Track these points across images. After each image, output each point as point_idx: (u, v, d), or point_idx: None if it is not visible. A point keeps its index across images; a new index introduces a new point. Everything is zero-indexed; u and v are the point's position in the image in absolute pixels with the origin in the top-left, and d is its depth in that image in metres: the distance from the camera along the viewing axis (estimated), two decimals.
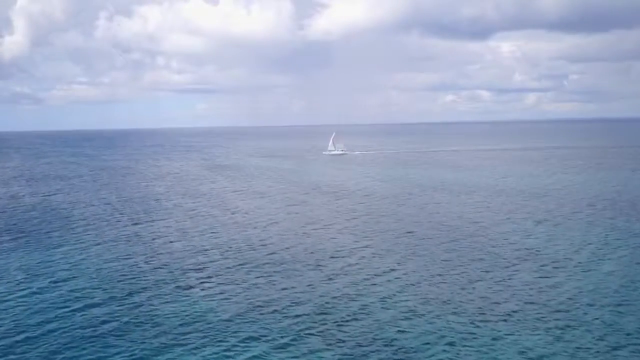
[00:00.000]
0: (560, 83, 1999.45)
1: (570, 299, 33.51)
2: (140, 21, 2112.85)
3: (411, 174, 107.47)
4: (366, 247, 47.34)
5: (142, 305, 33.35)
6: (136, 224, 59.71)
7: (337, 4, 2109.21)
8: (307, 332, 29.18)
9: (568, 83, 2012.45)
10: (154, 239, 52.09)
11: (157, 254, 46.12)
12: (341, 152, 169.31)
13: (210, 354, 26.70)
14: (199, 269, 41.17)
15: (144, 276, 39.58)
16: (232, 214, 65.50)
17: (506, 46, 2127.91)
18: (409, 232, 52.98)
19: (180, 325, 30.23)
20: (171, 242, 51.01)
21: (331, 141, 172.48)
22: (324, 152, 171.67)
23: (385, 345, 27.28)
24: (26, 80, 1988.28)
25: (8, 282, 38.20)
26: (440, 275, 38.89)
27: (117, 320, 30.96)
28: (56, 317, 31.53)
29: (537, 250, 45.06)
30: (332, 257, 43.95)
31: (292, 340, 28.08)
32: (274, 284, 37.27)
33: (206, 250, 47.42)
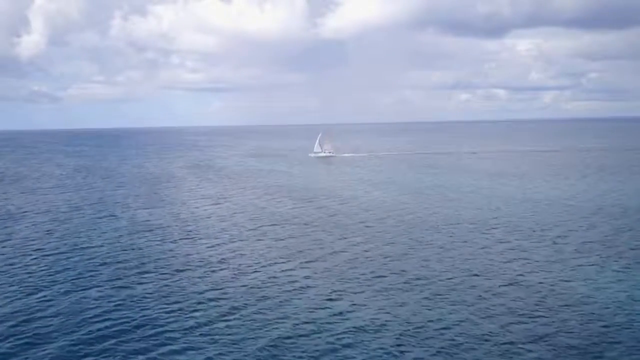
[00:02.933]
0: (578, 81, 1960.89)
1: None
2: (154, 20, 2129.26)
3: (407, 182, 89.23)
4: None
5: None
6: (64, 243, 49.22)
7: (350, 1, 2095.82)
8: None
9: (586, 81, 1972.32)
10: (77, 256, 42.42)
11: (76, 277, 35.86)
12: (328, 154, 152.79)
13: None
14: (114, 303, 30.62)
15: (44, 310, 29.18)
16: (184, 227, 54.87)
17: (523, 44, 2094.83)
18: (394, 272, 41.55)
19: None
20: (97, 259, 41.41)
21: (317, 142, 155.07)
22: (309, 154, 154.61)
23: None
24: (44, 79, 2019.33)
25: None
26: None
27: None
28: None
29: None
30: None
31: None
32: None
33: (134, 275, 37.05)
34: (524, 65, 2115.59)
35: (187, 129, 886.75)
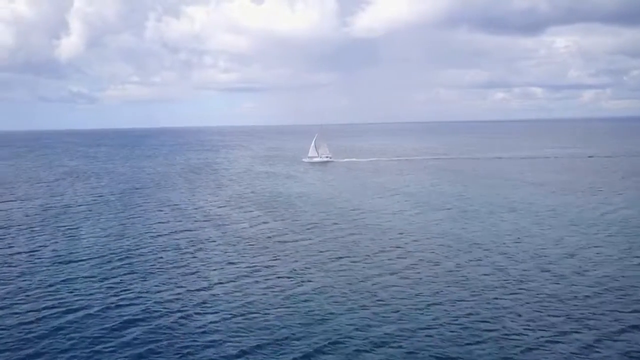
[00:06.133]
0: (620, 79, 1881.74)
1: None
2: (187, 21, 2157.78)
3: (411, 201, 68.34)
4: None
5: None
6: None
7: (381, 0, 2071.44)
8: None
9: (628, 79, 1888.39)
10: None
11: None
12: (325, 159, 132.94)
13: None
14: None
15: None
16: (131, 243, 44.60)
17: (560, 41, 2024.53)
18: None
19: None
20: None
21: (312, 145, 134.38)
22: (303, 159, 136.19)
23: None
24: (82, 80, 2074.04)
25: None
26: None
27: None
28: None
29: None
30: None
31: None
32: None
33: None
34: (562, 62, 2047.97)
35: (217, 128, 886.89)
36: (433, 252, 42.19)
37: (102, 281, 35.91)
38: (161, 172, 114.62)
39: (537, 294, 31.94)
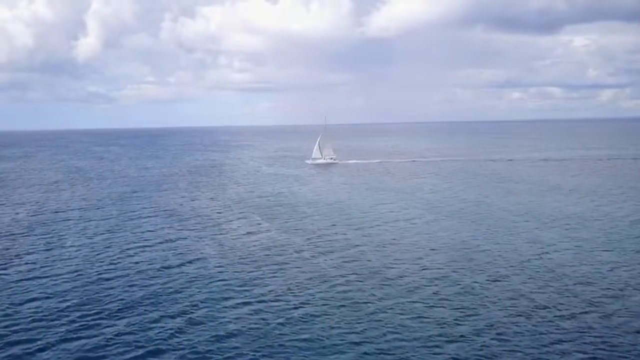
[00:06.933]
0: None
1: None
2: (202, 22, 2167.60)
3: (421, 209, 64.56)
4: None
5: None
6: None
7: None
8: None
9: None
10: None
11: None
12: (330, 161, 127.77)
13: None
14: None
15: None
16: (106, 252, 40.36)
17: (579, 40, 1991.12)
18: None
19: None
20: None
21: (316, 146, 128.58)
22: (306, 161, 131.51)
23: None
24: (99, 80, 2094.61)
25: None
26: None
27: None
28: None
29: None
30: None
31: None
32: None
33: None
34: (580, 62, 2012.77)
35: (232, 128, 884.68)
36: (448, 269, 37.24)
37: (68, 301, 31.67)
38: (165, 174, 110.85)
39: (573, 329, 26.90)
